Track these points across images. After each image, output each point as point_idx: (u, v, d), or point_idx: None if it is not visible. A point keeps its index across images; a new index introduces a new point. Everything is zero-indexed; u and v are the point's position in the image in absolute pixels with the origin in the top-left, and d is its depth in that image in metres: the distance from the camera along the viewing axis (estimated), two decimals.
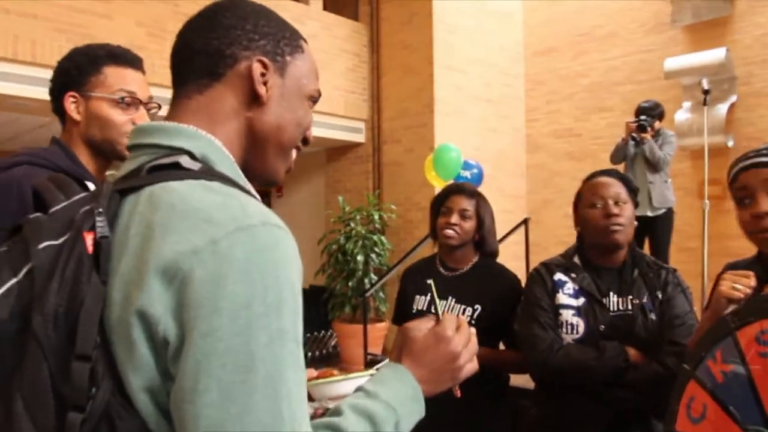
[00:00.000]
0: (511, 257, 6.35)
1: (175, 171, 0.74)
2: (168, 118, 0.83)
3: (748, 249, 1.58)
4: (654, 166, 5.07)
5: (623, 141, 5.23)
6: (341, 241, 6.53)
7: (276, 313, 0.65)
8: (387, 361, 0.91)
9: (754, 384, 1.19)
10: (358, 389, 0.84)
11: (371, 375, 1.03)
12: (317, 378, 1.30)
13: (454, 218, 2.21)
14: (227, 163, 0.81)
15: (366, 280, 6.37)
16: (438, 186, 5.56)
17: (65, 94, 1.45)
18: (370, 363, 3.57)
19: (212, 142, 0.80)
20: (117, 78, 1.46)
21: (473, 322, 2.14)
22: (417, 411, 0.85)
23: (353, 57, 7.35)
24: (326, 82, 6.99)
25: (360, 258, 6.37)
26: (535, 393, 2.07)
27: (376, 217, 6.68)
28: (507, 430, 2.19)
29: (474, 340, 0.98)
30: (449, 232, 2.21)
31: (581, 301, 1.87)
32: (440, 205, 2.31)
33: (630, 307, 1.84)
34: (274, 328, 0.64)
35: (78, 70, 1.45)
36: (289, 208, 8.32)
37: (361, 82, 7.42)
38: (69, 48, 1.53)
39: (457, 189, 2.33)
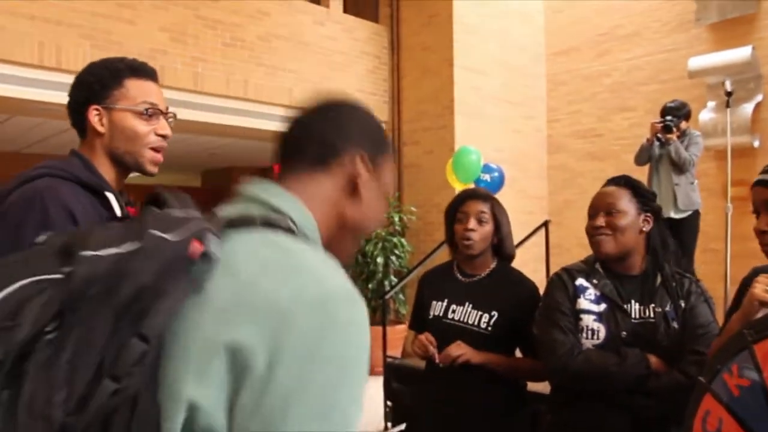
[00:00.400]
0: (532, 259, 6.33)
1: (285, 230, 0.82)
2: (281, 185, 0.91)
3: None
4: (680, 167, 5.00)
5: (648, 142, 5.15)
6: (361, 243, 6.54)
7: (359, 380, 0.73)
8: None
9: None
10: None
11: None
12: None
13: (472, 223, 2.21)
14: (315, 236, 0.89)
15: (386, 282, 6.38)
16: (460, 188, 5.55)
17: (88, 107, 1.47)
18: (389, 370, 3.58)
19: (310, 218, 0.89)
20: (139, 90, 1.50)
21: (490, 328, 2.14)
22: None
23: (374, 59, 7.36)
24: (347, 84, 7.01)
25: (380, 260, 6.38)
26: (551, 398, 2.06)
27: (396, 219, 6.69)
28: (526, 428, 2.19)
29: None
30: (469, 242, 2.20)
31: (602, 306, 1.87)
32: (455, 211, 2.29)
33: (652, 315, 1.84)
34: (356, 392, 0.72)
35: (100, 84, 1.47)
36: None
37: (381, 84, 7.43)
38: (94, 54, 1.57)
39: (471, 194, 2.32)
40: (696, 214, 5.12)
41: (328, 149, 0.92)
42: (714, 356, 1.38)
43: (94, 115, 1.47)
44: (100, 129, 1.47)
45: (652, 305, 1.85)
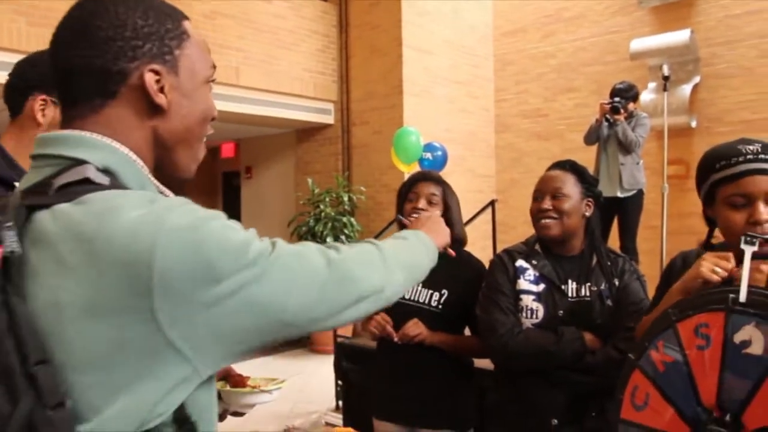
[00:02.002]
0: (481, 237, 6.43)
1: (86, 186, 0.75)
2: (67, 127, 0.82)
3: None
4: (626, 147, 5.13)
5: (597, 122, 5.27)
6: (311, 223, 6.54)
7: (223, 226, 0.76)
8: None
9: (691, 373, 1.24)
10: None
11: (277, 388, 1.34)
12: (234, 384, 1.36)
13: (422, 203, 2.24)
14: (132, 170, 0.81)
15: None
16: (404, 170, 5.58)
17: (33, 93, 1.42)
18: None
19: (116, 151, 0.79)
20: None
21: (440, 306, 2.19)
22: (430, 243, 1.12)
23: (322, 38, 7.29)
24: (295, 63, 6.94)
25: (329, 240, 6.39)
26: (494, 375, 2.13)
27: (346, 198, 6.70)
28: (471, 407, 2.25)
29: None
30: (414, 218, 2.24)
31: (541, 287, 1.93)
32: (407, 192, 2.33)
33: (588, 294, 1.91)
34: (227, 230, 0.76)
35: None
36: (259, 190, 8.29)
37: (330, 64, 7.38)
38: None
39: (423, 176, 2.36)
40: (640, 194, 5.28)
41: (105, 78, 0.79)
42: (642, 334, 1.44)
43: (38, 105, 1.42)
44: (40, 119, 1.42)
45: (588, 284, 1.92)
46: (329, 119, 7.48)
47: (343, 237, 6.54)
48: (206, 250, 0.71)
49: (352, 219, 6.72)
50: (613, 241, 5.20)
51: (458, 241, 2.35)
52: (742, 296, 1.19)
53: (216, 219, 0.75)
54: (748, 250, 1.23)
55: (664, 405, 1.29)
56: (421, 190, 2.28)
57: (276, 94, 6.75)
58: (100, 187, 0.75)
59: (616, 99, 5.16)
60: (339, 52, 7.45)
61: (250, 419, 1.44)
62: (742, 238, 1.25)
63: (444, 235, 1.24)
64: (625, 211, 5.26)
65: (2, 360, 0.65)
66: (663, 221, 5.36)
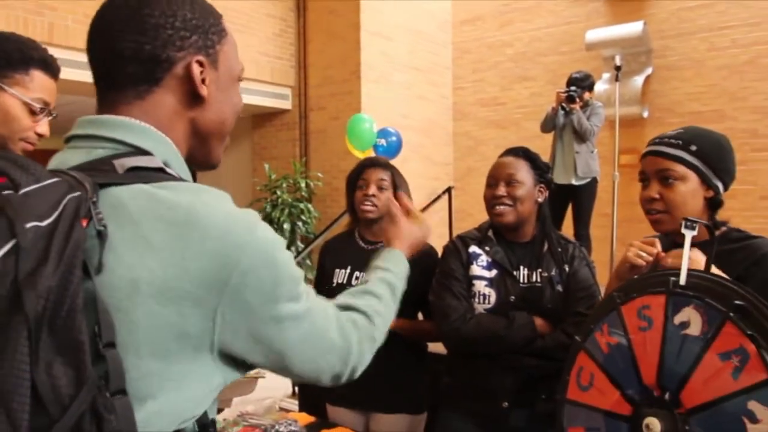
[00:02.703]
0: (438, 224, 6.48)
1: (161, 174, 0.78)
2: (113, 113, 0.82)
3: None
4: (581, 136, 5.22)
5: (553, 110, 5.35)
6: (267, 210, 6.48)
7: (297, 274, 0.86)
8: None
9: (634, 356, 1.27)
10: (375, 267, 1.15)
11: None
12: None
13: (372, 189, 2.24)
14: (179, 163, 0.84)
15: (293, 249, 6.36)
16: (360, 157, 5.57)
17: None
18: None
19: (171, 146, 0.83)
20: (41, 85, 1.43)
21: None
22: (406, 270, 1.20)
23: (280, 22, 7.19)
24: (252, 47, 6.83)
25: (287, 226, 6.35)
26: (447, 360, 2.15)
27: (303, 185, 6.65)
28: (425, 391, 2.27)
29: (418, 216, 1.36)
30: (367, 205, 2.24)
31: (494, 272, 1.95)
32: (356, 179, 2.32)
33: (539, 279, 1.94)
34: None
35: (5, 61, 1.39)
36: (215, 176, 8.16)
37: (287, 48, 7.29)
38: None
39: (371, 162, 2.35)
40: (594, 182, 5.38)
41: (154, 65, 0.81)
42: (588, 317, 1.47)
43: None
44: None
45: (539, 270, 1.95)
46: (286, 104, 7.40)
47: (299, 223, 6.50)
48: (280, 270, 0.79)
49: (310, 205, 6.68)
50: (567, 228, 5.31)
51: None
52: (682, 279, 1.23)
53: (283, 243, 0.83)
54: (688, 235, 1.26)
55: (608, 385, 1.33)
56: (370, 176, 2.27)
57: None
58: (175, 178, 0.80)
59: (572, 88, 5.24)
60: (296, 36, 7.36)
61: None
62: (683, 223, 1.29)
63: (418, 245, 1.32)
64: (578, 198, 5.36)
65: (75, 338, 0.63)
66: (614, 209, 5.48)
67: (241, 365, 0.82)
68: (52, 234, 0.64)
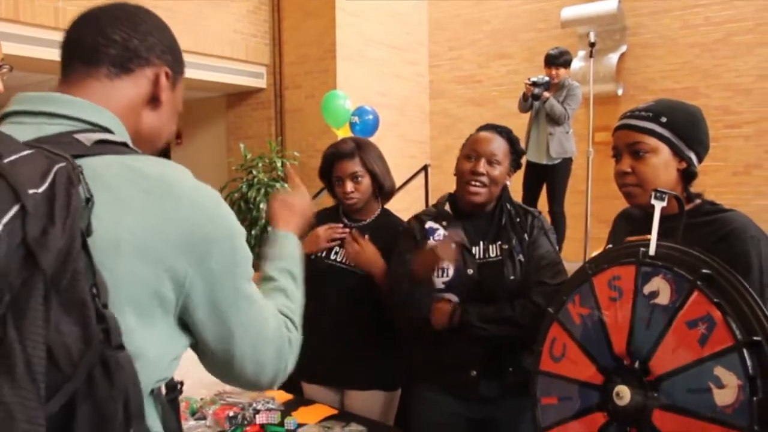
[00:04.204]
0: (414, 202, 6.48)
1: (126, 148, 0.84)
2: (72, 92, 0.88)
3: None
4: (555, 121, 5.24)
5: (524, 97, 5.37)
6: (243, 189, 6.42)
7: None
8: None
9: (605, 326, 1.29)
10: (272, 258, 1.18)
11: None
12: None
13: (349, 186, 2.22)
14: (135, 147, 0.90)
15: (269, 229, 6.33)
16: (339, 134, 5.54)
17: None
18: None
19: (125, 131, 0.89)
20: None
21: None
22: (299, 250, 1.24)
23: None
24: (225, 24, 6.73)
25: (263, 206, 6.30)
26: (416, 338, 2.17)
27: (279, 164, 6.60)
28: (399, 366, 2.29)
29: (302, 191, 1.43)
30: (350, 201, 2.23)
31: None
32: (329, 174, 2.30)
33: (498, 252, 1.94)
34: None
35: None
36: (189, 156, 8.07)
37: (262, 25, 7.19)
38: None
39: (338, 154, 2.27)
40: (567, 162, 5.42)
41: (133, 56, 0.92)
42: (562, 288, 1.49)
43: None
44: None
45: (499, 242, 1.95)
46: (261, 83, 7.32)
47: None
48: (238, 244, 0.87)
49: (286, 185, 6.63)
50: (542, 206, 5.35)
51: (389, 193, 2.35)
52: (652, 250, 1.24)
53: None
54: (658, 206, 1.28)
55: (580, 355, 1.35)
56: (343, 171, 2.24)
57: (205, 56, 6.54)
58: (140, 153, 0.86)
59: (539, 79, 5.24)
60: (271, 13, 7.26)
61: None
62: (652, 194, 1.30)
63: (305, 222, 1.40)
64: (552, 177, 5.41)
65: (81, 297, 0.67)
66: (588, 186, 5.53)
67: (190, 337, 0.87)
68: (53, 201, 0.68)
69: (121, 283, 0.74)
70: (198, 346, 0.89)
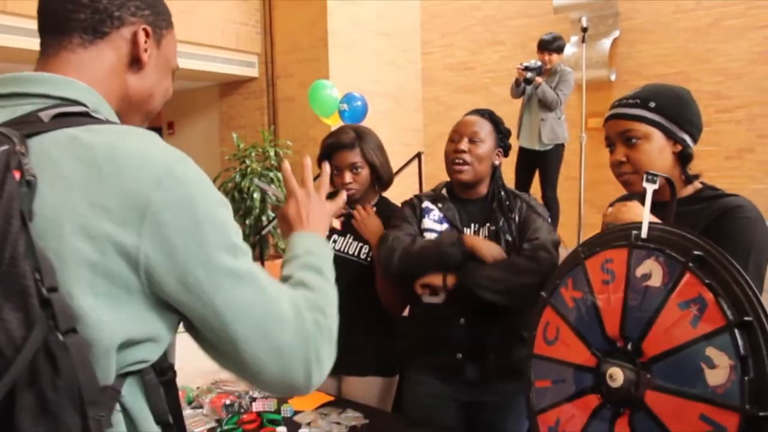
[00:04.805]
0: (408, 189, 6.46)
1: (86, 118, 0.80)
2: (46, 68, 0.85)
3: None
4: (547, 107, 5.24)
5: (516, 83, 5.36)
6: (237, 179, 6.41)
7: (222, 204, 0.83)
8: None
9: (598, 309, 1.30)
10: (291, 257, 1.02)
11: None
12: None
13: (348, 177, 2.21)
14: (111, 114, 0.87)
15: (263, 218, 6.33)
16: (329, 124, 5.53)
17: None
18: None
19: (102, 100, 0.85)
20: None
21: (369, 259, 2.20)
22: (326, 245, 1.09)
23: None
24: (214, 13, 6.69)
25: (257, 195, 6.29)
26: (408, 320, 2.21)
27: (272, 153, 6.58)
28: (396, 353, 2.30)
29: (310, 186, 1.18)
30: (351, 191, 2.22)
31: (444, 226, 2.00)
32: (328, 160, 2.28)
33: (486, 233, 1.98)
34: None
35: None
36: (181, 146, 7.83)
37: (253, 14, 7.15)
38: None
39: (338, 145, 2.25)
40: (559, 147, 5.42)
41: (104, 18, 0.86)
42: (554, 272, 1.50)
43: None
44: None
45: (487, 224, 1.99)
46: (253, 72, 7.28)
47: (269, 192, 6.45)
48: (198, 210, 0.77)
49: (279, 174, 6.62)
50: (535, 192, 5.36)
51: (387, 182, 2.35)
52: (644, 232, 1.25)
53: (213, 188, 0.82)
54: (650, 188, 1.28)
55: (573, 338, 1.36)
56: (341, 162, 2.21)
57: (196, 45, 6.50)
58: (101, 121, 0.81)
59: (532, 64, 5.23)
60: (262, 1, 7.22)
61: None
62: (644, 177, 1.30)
63: (328, 218, 1.18)
64: (544, 163, 5.41)
65: (19, 282, 0.66)
66: (581, 172, 5.54)
67: (174, 316, 0.81)
68: None
69: (69, 264, 0.71)
70: (196, 336, 0.83)
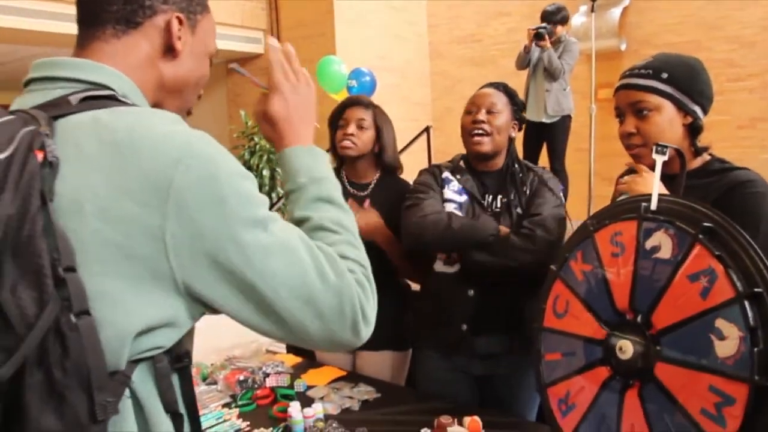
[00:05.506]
0: (417, 164, 6.44)
1: (112, 101, 0.80)
2: (82, 55, 0.86)
3: None
4: (552, 75, 5.19)
5: (525, 49, 5.30)
6: (246, 156, 6.42)
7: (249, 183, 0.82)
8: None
9: (607, 282, 1.30)
10: (295, 187, 0.96)
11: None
12: None
13: (351, 128, 2.23)
14: (141, 99, 0.87)
15: (273, 195, 6.35)
16: (336, 99, 5.50)
17: None
18: None
19: (133, 85, 0.86)
20: None
21: None
22: (326, 161, 1.00)
23: None
24: None
25: (266, 173, 6.31)
26: (417, 294, 2.24)
27: None
28: (410, 328, 2.31)
29: (296, 68, 1.05)
30: (346, 142, 2.23)
31: (464, 198, 2.01)
32: (337, 119, 2.30)
33: (499, 204, 2.00)
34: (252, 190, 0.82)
35: None
36: (190, 124, 8.03)
37: None
38: None
39: (353, 102, 2.33)
40: (565, 119, 5.39)
41: (136, 7, 0.87)
42: (564, 245, 1.50)
43: None
44: None
45: (500, 196, 2.00)
46: (259, 48, 7.24)
47: (279, 169, 6.44)
48: (222, 185, 0.76)
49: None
50: (543, 164, 5.33)
51: (393, 168, 2.35)
52: (653, 204, 1.24)
53: (236, 162, 0.81)
54: (659, 159, 1.27)
55: (583, 311, 1.36)
56: (351, 115, 2.25)
57: None
58: (126, 104, 0.81)
59: (543, 25, 5.18)
60: None
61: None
62: (654, 148, 1.29)
63: (313, 119, 1.05)
64: (551, 135, 5.39)
65: (35, 261, 0.66)
66: (591, 143, 5.50)
67: (200, 307, 0.80)
68: (9, 166, 0.68)
69: (90, 245, 0.71)
70: (230, 314, 0.80)
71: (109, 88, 0.82)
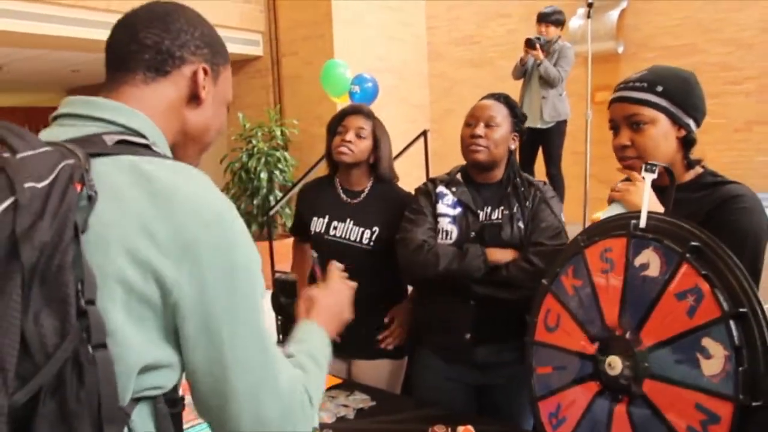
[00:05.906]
0: (414, 167, 6.46)
1: (147, 150, 0.84)
2: (111, 96, 0.90)
3: None
4: (549, 84, 5.22)
5: (521, 62, 5.35)
6: (244, 159, 6.42)
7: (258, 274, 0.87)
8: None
9: (597, 297, 1.32)
10: (300, 339, 1.08)
11: None
12: None
13: (350, 136, 2.24)
14: (166, 148, 0.92)
15: (271, 198, 6.35)
16: (337, 102, 5.51)
17: None
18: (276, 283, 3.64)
19: (160, 133, 0.90)
20: None
21: (372, 243, 2.22)
22: (324, 342, 1.11)
23: None
24: None
25: (264, 175, 6.31)
26: (414, 299, 2.24)
27: (278, 132, 6.58)
28: (407, 337, 2.33)
29: (349, 292, 1.31)
30: (343, 148, 2.24)
31: (458, 210, 2.01)
32: (336, 125, 2.32)
33: (499, 216, 2.00)
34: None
35: None
36: None
37: None
38: None
39: (353, 110, 2.34)
40: (561, 125, 5.41)
41: (167, 57, 0.92)
42: (554, 261, 1.51)
43: None
44: None
45: (501, 208, 2.01)
46: (257, 51, 7.24)
47: (277, 172, 6.47)
48: (237, 257, 0.82)
49: (286, 153, 6.63)
50: (539, 168, 5.35)
51: (386, 179, 2.36)
52: (642, 222, 1.26)
53: (254, 244, 0.86)
54: (648, 178, 1.29)
55: (573, 326, 1.38)
56: (351, 123, 2.27)
57: None
58: (160, 155, 0.85)
59: (536, 36, 5.22)
60: None
61: None
62: (643, 167, 1.31)
63: (339, 322, 1.25)
64: (547, 140, 5.42)
65: (63, 291, 0.68)
66: (587, 147, 5.52)
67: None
68: (48, 195, 0.70)
69: (108, 281, 0.73)
70: (189, 376, 0.83)
71: (142, 135, 0.87)
